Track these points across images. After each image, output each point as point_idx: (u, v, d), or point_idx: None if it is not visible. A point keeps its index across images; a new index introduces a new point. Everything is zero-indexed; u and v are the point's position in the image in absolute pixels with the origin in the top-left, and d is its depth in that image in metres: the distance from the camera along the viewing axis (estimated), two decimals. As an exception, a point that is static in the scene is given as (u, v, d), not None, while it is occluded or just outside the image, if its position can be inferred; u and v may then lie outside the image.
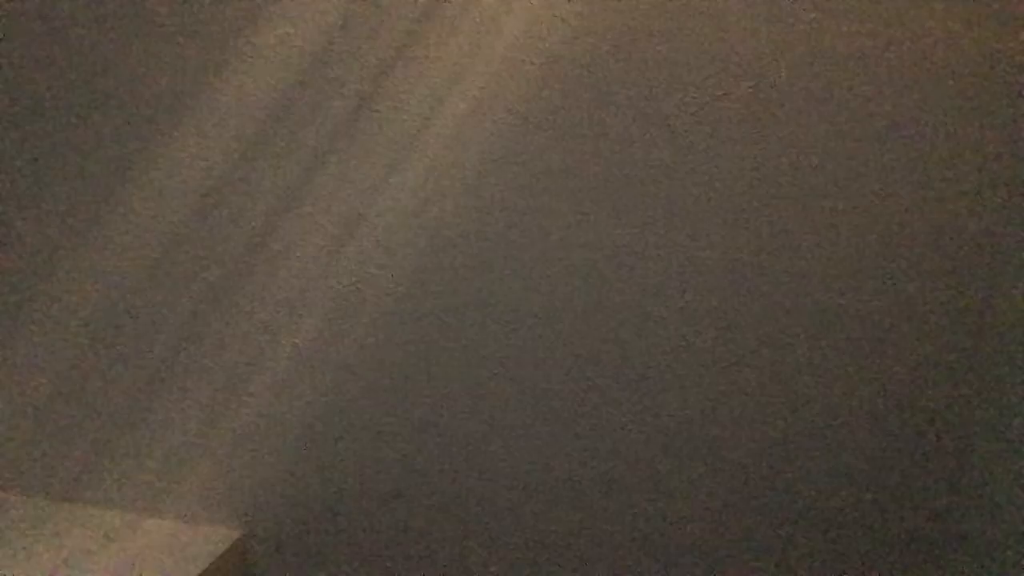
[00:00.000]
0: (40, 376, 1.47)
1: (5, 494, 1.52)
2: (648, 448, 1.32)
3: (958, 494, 1.26)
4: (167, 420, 1.45)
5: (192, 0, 1.26)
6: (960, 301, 1.19)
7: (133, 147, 1.34)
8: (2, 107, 1.37)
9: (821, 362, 1.24)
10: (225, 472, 1.45)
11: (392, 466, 1.40)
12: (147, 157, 1.34)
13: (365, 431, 1.40)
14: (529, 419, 1.34)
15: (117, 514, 1.48)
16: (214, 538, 1.43)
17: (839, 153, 1.16)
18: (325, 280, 1.34)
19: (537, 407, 1.34)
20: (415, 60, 1.23)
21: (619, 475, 1.34)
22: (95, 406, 1.46)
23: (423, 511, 1.41)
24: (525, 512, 1.38)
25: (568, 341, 1.30)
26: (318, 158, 1.29)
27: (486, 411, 1.35)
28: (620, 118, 1.20)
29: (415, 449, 1.39)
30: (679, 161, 1.20)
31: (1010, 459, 1.19)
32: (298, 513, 1.45)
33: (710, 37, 1.15)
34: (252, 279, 1.36)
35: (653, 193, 1.22)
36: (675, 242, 1.23)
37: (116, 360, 1.44)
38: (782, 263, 1.22)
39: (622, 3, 1.16)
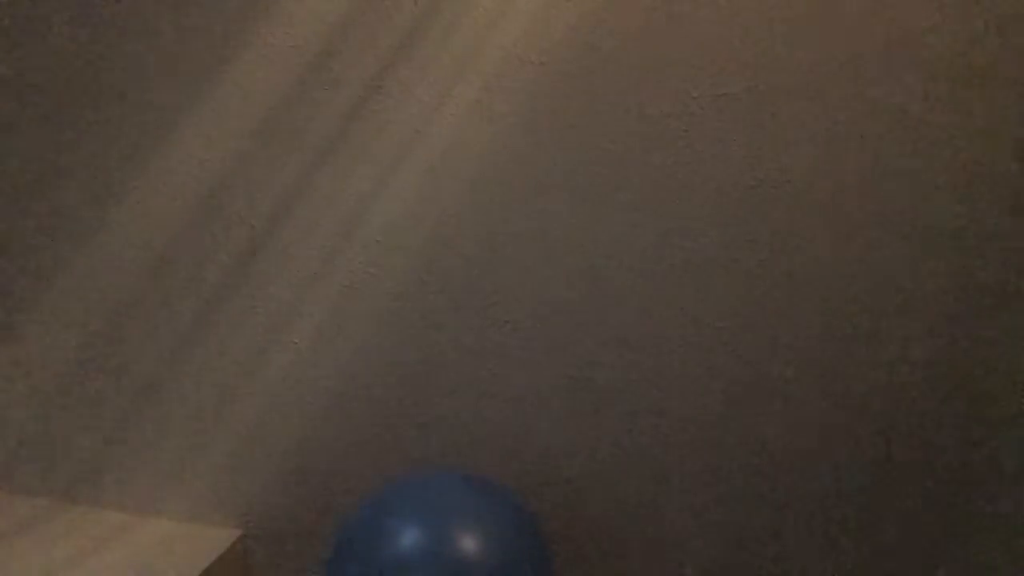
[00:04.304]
0: (40, 376, 1.47)
1: (5, 494, 1.52)
2: (648, 448, 1.32)
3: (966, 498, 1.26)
4: (167, 420, 1.44)
5: (194, 1, 1.26)
6: (963, 299, 1.18)
7: (133, 147, 1.34)
8: (3, 106, 1.37)
9: (821, 363, 1.24)
10: (225, 472, 1.45)
11: (392, 466, 1.40)
12: (147, 157, 1.34)
13: (364, 431, 1.39)
14: (529, 418, 1.34)
15: (117, 514, 1.48)
16: (214, 538, 1.43)
17: (839, 153, 1.16)
18: (325, 280, 1.34)
19: (537, 407, 1.33)
20: (415, 60, 1.23)
21: (617, 472, 1.34)
22: (95, 406, 1.46)
23: (423, 511, 1.41)
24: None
25: (568, 340, 1.30)
26: (318, 158, 1.29)
27: (486, 410, 1.35)
28: (620, 118, 1.20)
29: (415, 449, 1.39)
30: (678, 161, 1.20)
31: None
32: (298, 513, 1.45)
33: (709, 37, 1.15)
34: (252, 279, 1.36)
35: (653, 192, 1.22)
36: (675, 241, 1.23)
37: (116, 360, 1.43)
38: (781, 262, 1.21)
39: (621, 3, 1.16)
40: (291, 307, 1.36)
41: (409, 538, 1.07)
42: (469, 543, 1.07)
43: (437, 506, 1.12)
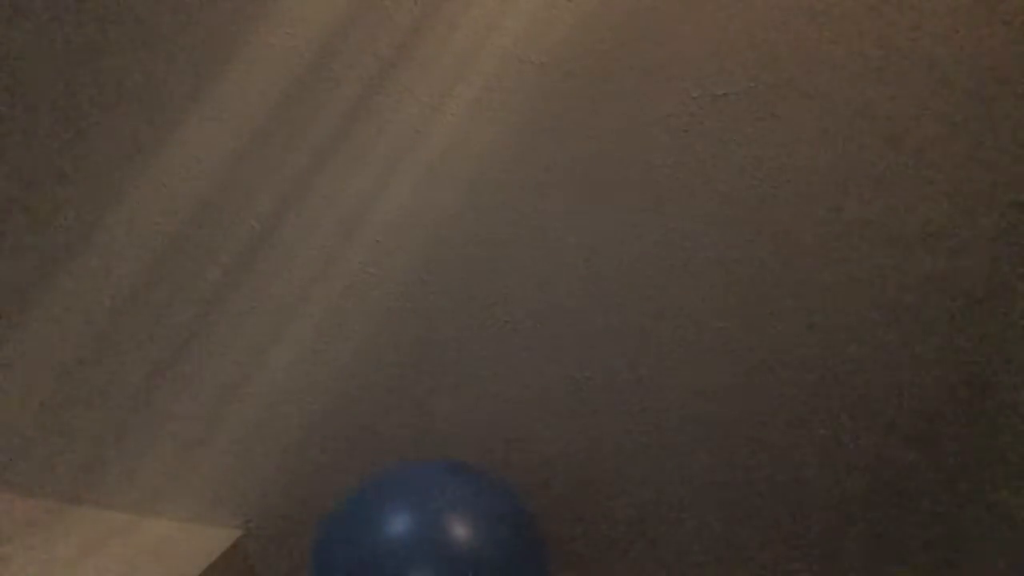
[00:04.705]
0: (40, 376, 1.47)
1: (5, 494, 1.52)
2: (647, 448, 1.32)
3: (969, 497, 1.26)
4: (167, 421, 1.44)
5: (193, 1, 1.26)
6: (963, 298, 1.19)
7: (133, 147, 1.34)
8: (4, 107, 1.37)
9: (821, 362, 1.24)
10: (225, 472, 1.45)
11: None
12: (147, 158, 1.34)
13: (364, 431, 1.39)
14: (529, 419, 1.34)
15: (117, 514, 1.48)
16: (214, 538, 1.43)
17: (839, 153, 1.16)
18: (325, 280, 1.34)
19: (537, 407, 1.33)
20: (415, 60, 1.23)
21: (617, 472, 1.34)
22: (95, 406, 1.46)
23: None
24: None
25: (567, 340, 1.30)
26: (318, 158, 1.29)
27: (486, 410, 1.35)
28: (620, 118, 1.20)
29: (415, 449, 1.39)
30: (679, 160, 1.20)
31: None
32: (298, 513, 1.45)
33: (710, 37, 1.15)
34: (252, 279, 1.36)
35: (653, 192, 1.22)
36: (675, 241, 1.23)
37: (117, 361, 1.43)
38: (782, 262, 1.21)
39: (621, 3, 1.16)
40: (291, 307, 1.36)
41: (397, 524, 1.07)
42: (457, 526, 1.06)
43: (425, 491, 1.12)
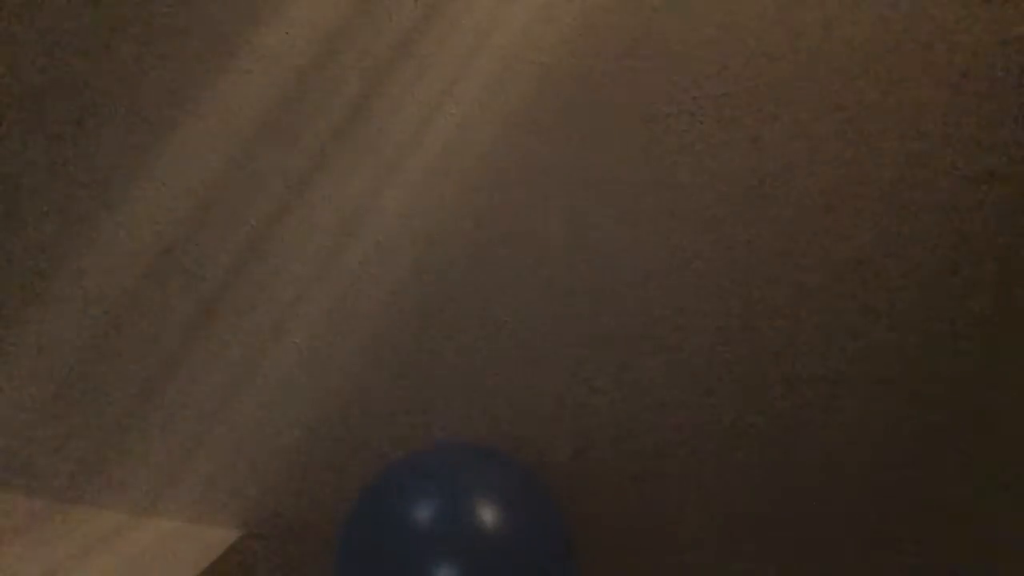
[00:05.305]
0: (40, 376, 1.47)
1: (5, 494, 1.52)
2: (648, 448, 1.32)
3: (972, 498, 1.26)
4: (167, 420, 1.44)
5: (193, 1, 1.26)
6: (965, 299, 1.19)
7: (133, 147, 1.34)
8: (4, 106, 1.37)
9: (822, 362, 1.24)
10: (225, 472, 1.45)
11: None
12: (147, 157, 1.34)
13: (364, 431, 1.39)
14: (529, 420, 1.34)
15: (117, 514, 1.48)
16: (214, 538, 1.43)
17: (840, 153, 1.16)
18: (325, 280, 1.34)
19: (536, 406, 1.33)
20: (415, 60, 1.23)
21: (616, 472, 1.34)
22: (95, 406, 1.46)
23: (423, 511, 1.41)
24: (525, 512, 1.38)
25: (567, 340, 1.30)
26: (318, 158, 1.29)
27: (486, 410, 1.35)
28: (620, 118, 1.20)
29: (414, 449, 1.39)
30: (678, 161, 1.20)
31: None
32: (299, 513, 1.45)
33: (710, 37, 1.15)
34: (252, 279, 1.36)
35: (653, 192, 1.22)
36: (675, 241, 1.23)
37: (116, 360, 1.43)
38: (782, 263, 1.21)
39: (622, 3, 1.16)
40: (291, 307, 1.36)
41: (426, 509, 1.09)
42: (487, 512, 1.09)
43: (458, 473, 1.15)
